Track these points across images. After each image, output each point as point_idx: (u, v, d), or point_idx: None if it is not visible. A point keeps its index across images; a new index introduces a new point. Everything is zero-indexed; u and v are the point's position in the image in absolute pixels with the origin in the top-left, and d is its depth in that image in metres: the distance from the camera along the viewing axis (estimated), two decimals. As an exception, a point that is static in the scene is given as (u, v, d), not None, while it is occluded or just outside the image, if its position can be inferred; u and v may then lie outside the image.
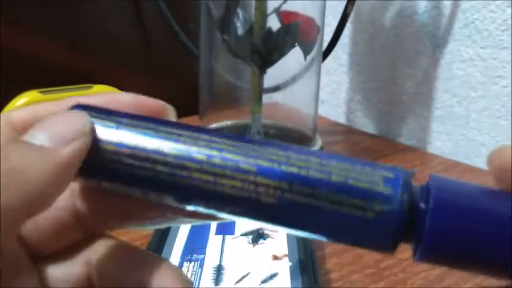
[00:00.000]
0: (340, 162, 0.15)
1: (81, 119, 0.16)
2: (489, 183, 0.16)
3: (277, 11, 0.47)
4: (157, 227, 0.20)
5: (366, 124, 0.67)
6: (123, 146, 0.16)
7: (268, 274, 0.31)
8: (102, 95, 0.18)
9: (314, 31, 0.49)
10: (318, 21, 0.49)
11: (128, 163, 0.16)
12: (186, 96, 0.60)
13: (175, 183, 0.16)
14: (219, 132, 0.17)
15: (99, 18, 0.64)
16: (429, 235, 0.15)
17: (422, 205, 0.15)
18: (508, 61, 0.51)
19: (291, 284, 0.30)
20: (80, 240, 0.18)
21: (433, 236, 0.15)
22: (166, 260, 0.18)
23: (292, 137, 0.53)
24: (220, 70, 0.54)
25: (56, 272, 0.17)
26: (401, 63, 0.61)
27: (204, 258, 0.32)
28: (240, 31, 0.46)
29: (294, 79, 0.52)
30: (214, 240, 0.34)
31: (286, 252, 0.33)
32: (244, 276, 0.31)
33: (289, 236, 0.35)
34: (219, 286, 0.30)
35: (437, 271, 0.36)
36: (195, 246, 0.34)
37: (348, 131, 0.67)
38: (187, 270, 0.31)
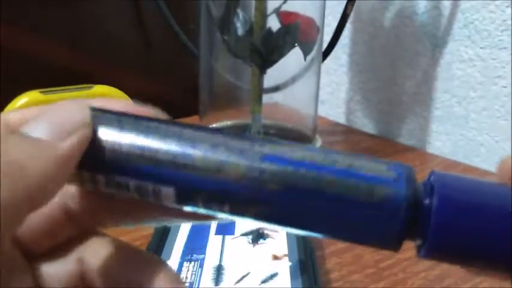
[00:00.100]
0: (343, 155, 0.15)
1: (81, 109, 0.16)
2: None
3: (277, 12, 0.47)
4: (153, 225, 0.19)
5: (366, 124, 0.67)
6: (124, 138, 0.16)
7: (268, 274, 0.31)
8: (93, 102, 0.17)
9: (314, 31, 0.49)
10: (317, 21, 0.49)
11: (128, 155, 0.16)
12: (186, 96, 0.60)
13: (177, 174, 0.15)
14: (220, 130, 0.16)
15: (99, 18, 0.64)
16: (434, 232, 0.15)
17: (426, 201, 0.15)
18: (507, 61, 0.51)
19: (291, 284, 0.30)
20: (72, 238, 0.18)
21: (439, 232, 0.15)
22: (159, 258, 0.18)
23: (292, 137, 0.53)
24: (220, 70, 0.54)
25: (49, 270, 0.17)
26: (401, 64, 0.61)
27: (204, 258, 0.32)
28: (240, 31, 0.46)
29: (294, 79, 0.52)
30: (214, 240, 0.34)
31: (286, 252, 0.33)
32: (244, 276, 0.31)
33: (289, 236, 0.35)
34: (219, 286, 0.30)
35: (437, 271, 0.36)
36: (195, 246, 0.34)
37: (348, 131, 0.67)
38: (188, 270, 0.31)
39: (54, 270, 0.17)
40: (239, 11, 0.46)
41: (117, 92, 0.38)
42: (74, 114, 0.15)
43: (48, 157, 0.14)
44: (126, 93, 0.38)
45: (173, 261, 0.32)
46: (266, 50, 0.47)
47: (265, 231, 0.35)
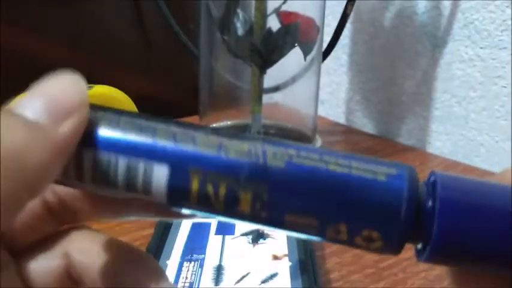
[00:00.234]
0: (342, 155, 0.15)
1: (77, 83, 0.15)
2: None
3: (277, 12, 0.47)
4: (138, 218, 0.19)
5: (366, 124, 0.67)
6: (121, 115, 0.15)
7: (268, 274, 0.31)
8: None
9: (314, 31, 0.49)
10: (317, 21, 0.49)
11: (125, 129, 0.15)
12: (186, 96, 0.60)
13: (175, 150, 0.15)
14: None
15: (99, 18, 0.64)
16: (437, 235, 0.14)
17: (429, 203, 0.15)
18: (507, 61, 0.51)
19: (291, 284, 0.30)
20: (56, 232, 0.17)
21: (442, 236, 0.14)
22: (145, 253, 0.17)
23: (292, 137, 0.53)
24: (220, 70, 0.54)
25: (33, 265, 0.17)
26: (400, 64, 0.61)
27: (204, 258, 0.32)
28: (240, 31, 0.46)
29: (294, 79, 0.52)
30: (214, 240, 0.35)
31: (286, 252, 0.33)
32: (244, 276, 0.31)
33: (289, 236, 0.35)
34: (219, 286, 0.30)
35: (437, 271, 0.36)
36: (195, 246, 0.34)
37: (348, 131, 0.67)
38: (188, 270, 0.31)
39: (38, 265, 0.17)
40: (239, 11, 0.46)
41: (117, 92, 0.38)
42: (70, 90, 0.15)
43: (46, 145, 0.13)
44: (126, 93, 0.38)
45: (173, 261, 0.32)
46: (266, 50, 0.47)
47: (266, 231, 0.35)
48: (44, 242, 0.17)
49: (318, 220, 0.15)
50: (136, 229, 0.39)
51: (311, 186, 0.15)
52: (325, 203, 0.15)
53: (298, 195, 0.15)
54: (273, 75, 0.50)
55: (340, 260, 0.37)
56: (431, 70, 0.58)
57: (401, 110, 0.62)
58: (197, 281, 0.30)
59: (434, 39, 0.57)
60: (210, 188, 0.15)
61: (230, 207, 0.15)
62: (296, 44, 0.48)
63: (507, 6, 0.50)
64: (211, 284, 0.30)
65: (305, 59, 0.49)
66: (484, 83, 0.53)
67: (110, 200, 0.17)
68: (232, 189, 0.15)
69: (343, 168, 0.15)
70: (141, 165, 0.15)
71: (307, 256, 0.33)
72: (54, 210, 0.17)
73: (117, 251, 0.17)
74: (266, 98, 0.50)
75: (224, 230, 0.36)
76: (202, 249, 0.33)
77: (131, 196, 0.15)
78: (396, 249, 0.15)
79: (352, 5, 0.53)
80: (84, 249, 0.17)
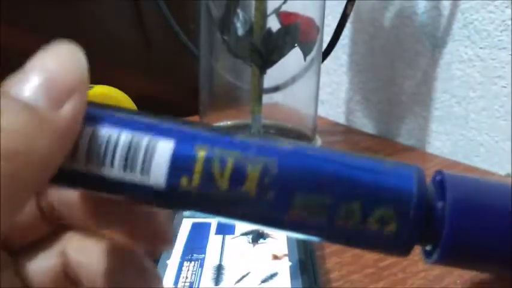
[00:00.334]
0: (348, 154, 0.15)
1: (77, 56, 0.14)
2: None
3: (277, 12, 0.47)
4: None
5: (366, 124, 0.67)
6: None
7: (268, 274, 0.31)
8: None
9: (314, 31, 0.49)
10: (317, 21, 0.49)
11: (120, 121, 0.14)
12: (186, 96, 0.60)
13: (181, 127, 0.14)
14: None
15: (99, 18, 0.64)
16: (448, 237, 0.14)
17: (438, 204, 0.14)
18: (507, 61, 0.51)
19: (291, 284, 0.30)
20: (52, 232, 0.17)
21: (452, 238, 0.14)
22: (141, 253, 0.17)
23: (292, 137, 0.53)
24: (220, 70, 0.54)
25: (31, 264, 0.17)
26: (400, 64, 0.61)
27: (204, 258, 0.32)
28: (240, 31, 0.46)
29: (293, 79, 0.52)
30: (214, 240, 0.35)
31: (286, 252, 0.33)
32: (244, 276, 0.31)
33: (289, 236, 0.35)
34: (219, 286, 0.30)
35: (437, 271, 0.36)
36: (195, 246, 0.34)
37: (348, 131, 0.67)
38: (188, 270, 0.31)
39: (35, 265, 0.17)
40: (239, 11, 0.46)
41: (117, 92, 0.38)
42: (70, 65, 0.14)
43: (47, 135, 0.12)
44: (126, 93, 0.39)
45: (173, 261, 0.32)
46: (266, 50, 0.47)
47: (265, 231, 0.35)
48: (42, 242, 0.17)
49: (330, 198, 0.14)
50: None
51: (324, 164, 0.14)
52: (340, 180, 0.14)
53: (311, 171, 0.14)
54: (273, 75, 0.50)
55: (340, 259, 0.37)
56: (431, 70, 0.58)
57: (401, 110, 0.62)
58: (197, 281, 0.30)
59: (434, 39, 0.57)
60: (216, 163, 0.14)
61: (235, 185, 0.14)
62: (296, 44, 0.48)
63: (507, 7, 0.50)
64: (211, 283, 0.30)
65: (305, 59, 0.49)
66: (483, 83, 0.53)
67: (103, 208, 0.17)
68: (239, 163, 0.14)
69: (354, 158, 0.15)
70: (144, 141, 0.14)
71: (307, 256, 0.33)
72: (46, 212, 0.17)
73: (114, 250, 0.17)
74: (266, 98, 0.50)
75: (224, 229, 0.36)
76: (202, 249, 0.33)
77: (124, 178, 0.14)
78: (405, 252, 0.15)
79: (352, 5, 0.53)
80: (81, 248, 0.17)
